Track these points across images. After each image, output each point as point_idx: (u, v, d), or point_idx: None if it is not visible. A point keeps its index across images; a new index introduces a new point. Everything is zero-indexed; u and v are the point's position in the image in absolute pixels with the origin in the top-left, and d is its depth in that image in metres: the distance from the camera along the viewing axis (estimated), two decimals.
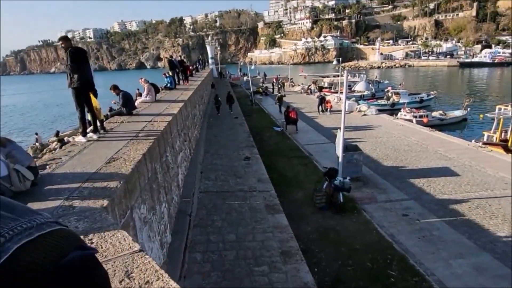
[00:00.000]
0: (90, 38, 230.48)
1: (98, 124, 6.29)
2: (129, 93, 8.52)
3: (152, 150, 5.50)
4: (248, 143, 13.91)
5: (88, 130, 6.06)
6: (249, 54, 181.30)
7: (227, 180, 10.05)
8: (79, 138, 5.81)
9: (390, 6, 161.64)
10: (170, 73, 14.81)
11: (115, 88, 8.23)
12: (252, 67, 52.75)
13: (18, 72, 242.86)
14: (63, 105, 46.00)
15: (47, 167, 4.44)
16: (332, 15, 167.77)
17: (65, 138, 19.82)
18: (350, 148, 12.14)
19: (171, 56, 17.30)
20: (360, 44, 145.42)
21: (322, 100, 25.08)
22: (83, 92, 5.81)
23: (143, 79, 11.13)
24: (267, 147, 15.32)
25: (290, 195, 10.42)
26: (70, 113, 38.18)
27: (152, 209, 5.09)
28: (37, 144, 21.34)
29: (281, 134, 18.32)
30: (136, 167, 4.44)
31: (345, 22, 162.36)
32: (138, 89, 17.87)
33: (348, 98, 27.71)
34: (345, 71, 10.95)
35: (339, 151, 10.64)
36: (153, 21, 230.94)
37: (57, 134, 23.15)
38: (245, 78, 45.52)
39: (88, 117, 6.38)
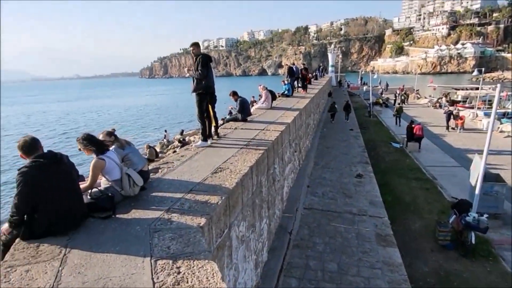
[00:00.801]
0: (222, 46, 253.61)
1: (213, 130, 6.36)
2: (246, 100, 8.58)
3: (260, 162, 5.23)
4: (362, 159, 12.75)
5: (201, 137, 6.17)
6: (371, 62, 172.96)
7: (335, 198, 9.26)
8: (196, 144, 5.93)
9: None
10: (289, 80, 14.68)
11: (234, 94, 8.37)
12: (375, 76, 49.79)
13: (161, 75, 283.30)
14: (192, 105, 51.41)
15: (159, 170, 4.54)
16: (475, 20, 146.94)
17: (187, 138, 21.74)
18: (489, 177, 9.90)
19: (293, 63, 17.19)
20: (508, 53, 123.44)
21: (450, 116, 21.73)
22: (206, 98, 5.91)
23: (262, 86, 11.21)
24: (383, 164, 13.85)
25: (405, 223, 9.04)
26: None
27: (251, 227, 4.79)
28: (164, 140, 23.91)
29: (400, 151, 16.42)
30: (241, 180, 4.18)
31: (490, 28, 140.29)
32: (253, 97, 18.37)
33: (486, 114, 23.60)
34: (499, 84, 8.90)
35: (476, 180, 8.72)
36: (279, 30, 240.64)
37: (181, 133, 25.64)
38: (364, 87, 43.18)
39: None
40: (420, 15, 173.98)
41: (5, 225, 2.83)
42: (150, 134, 30.02)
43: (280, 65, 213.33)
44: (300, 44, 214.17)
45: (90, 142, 3.38)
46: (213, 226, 3.19)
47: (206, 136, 5.93)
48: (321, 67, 37.98)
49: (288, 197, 8.60)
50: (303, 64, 19.08)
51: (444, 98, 32.57)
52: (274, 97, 11.48)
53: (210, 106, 6.15)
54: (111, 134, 3.93)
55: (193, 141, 21.09)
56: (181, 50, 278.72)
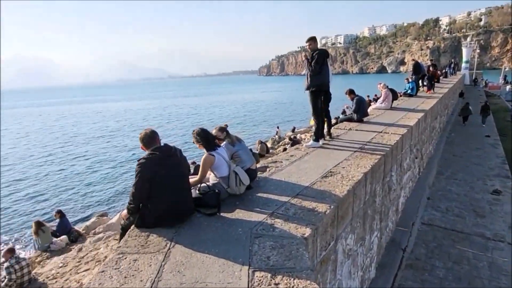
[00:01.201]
0: (340, 43, 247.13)
1: (325, 129, 6.01)
2: (363, 99, 7.94)
3: (376, 169, 4.67)
4: (501, 172, 10.53)
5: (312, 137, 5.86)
6: None
7: (463, 216, 7.82)
8: (307, 143, 5.68)
9: None
10: (413, 78, 13.17)
11: (350, 92, 7.83)
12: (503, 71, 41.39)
13: (277, 73, 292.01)
14: (306, 103, 51.35)
15: (267, 169, 4.43)
16: None
17: (298, 136, 21.64)
18: None
19: (431, 60, 15.45)
20: None
21: None
22: (320, 95, 5.61)
23: (382, 84, 10.30)
24: None
25: None
26: (309, 111, 42.09)
27: (360, 240, 4.30)
28: (276, 136, 24.31)
29: None
30: (353, 188, 3.75)
31: None
32: (368, 96, 17.08)
33: None
34: None
35: None
36: (405, 24, 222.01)
37: (293, 130, 25.69)
38: (507, 87, 36.30)
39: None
40: None
41: (125, 211, 3.05)
42: (263, 129, 31.03)
43: (402, 62, 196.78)
44: (428, 38, 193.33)
45: (202, 138, 3.43)
46: (318, 237, 2.88)
47: (318, 136, 5.62)
48: (452, 63, 33.28)
49: (404, 208, 7.65)
50: (431, 60, 16.78)
51: None
52: (395, 96, 10.40)
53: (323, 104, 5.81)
54: (223, 129, 3.96)
55: (304, 139, 20.96)
56: (298, 48, 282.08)
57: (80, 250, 7.92)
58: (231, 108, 50.79)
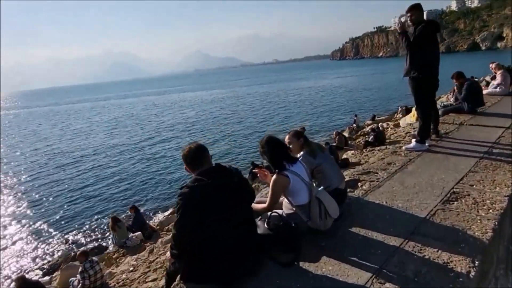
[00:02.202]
0: None
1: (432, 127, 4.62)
2: (477, 84, 6.23)
3: None
4: None
5: (415, 136, 4.53)
6: None
7: None
8: (409, 145, 4.39)
9: None
10: None
11: (459, 76, 6.18)
12: None
13: (352, 56, 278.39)
14: (385, 88, 47.36)
15: (359, 184, 3.32)
16: None
17: (379, 125, 19.56)
18: None
19: None
20: None
21: None
22: (426, 83, 4.26)
23: (495, 64, 8.26)
24: None
25: None
26: (389, 97, 38.62)
27: None
28: (354, 125, 22.47)
29: None
30: (499, 224, 2.47)
31: None
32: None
33: None
34: None
35: None
36: None
37: (373, 118, 23.48)
38: None
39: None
40: None
41: (168, 253, 2.25)
42: (338, 118, 29.22)
43: (499, 37, 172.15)
44: None
45: (269, 151, 2.47)
46: None
47: (424, 136, 4.28)
48: None
49: None
50: None
51: None
52: None
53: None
54: (299, 135, 2.95)
55: (387, 128, 18.85)
56: (375, 29, 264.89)
57: (151, 252, 7.67)
58: (304, 95, 49.16)
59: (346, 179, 3.42)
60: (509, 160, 3.62)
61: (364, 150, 12.92)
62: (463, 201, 2.78)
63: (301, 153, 2.84)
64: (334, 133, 16.30)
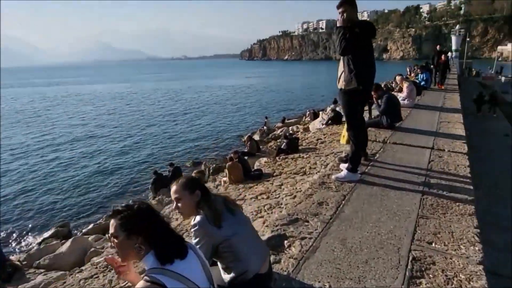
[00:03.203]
0: (322, 29, 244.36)
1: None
2: (395, 97, 5.90)
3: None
4: None
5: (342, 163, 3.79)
6: (499, 47, 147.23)
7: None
8: (339, 175, 3.57)
9: None
10: (430, 67, 11.25)
11: (377, 88, 5.76)
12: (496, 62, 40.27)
13: (260, 57, 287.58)
14: (293, 90, 49.13)
15: (285, 243, 2.34)
16: None
17: (290, 129, 19.58)
18: None
19: (440, 45, 13.52)
20: None
21: None
22: (363, 98, 3.53)
23: (399, 77, 8.32)
24: None
25: None
26: (297, 99, 39.95)
27: None
28: (265, 128, 22.26)
29: None
30: None
31: None
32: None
33: None
34: None
35: None
36: (386, 11, 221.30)
37: (283, 121, 23.64)
38: (502, 78, 35.31)
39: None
40: None
41: None
42: (250, 118, 28.91)
43: (385, 49, 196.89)
44: (410, 26, 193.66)
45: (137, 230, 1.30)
46: None
47: (357, 163, 3.54)
48: (443, 51, 31.65)
49: None
50: (438, 45, 14.63)
51: None
52: (418, 91, 8.45)
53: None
54: (193, 184, 1.80)
55: (297, 132, 18.91)
56: (280, 33, 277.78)
57: None
58: (215, 94, 48.10)
59: (268, 235, 2.42)
60: (452, 196, 3.07)
61: (277, 158, 12.43)
62: (430, 276, 2.00)
63: (196, 218, 1.71)
64: (245, 138, 15.58)
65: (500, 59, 77.25)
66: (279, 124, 23.19)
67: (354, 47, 3.21)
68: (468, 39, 63.55)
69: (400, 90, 8.77)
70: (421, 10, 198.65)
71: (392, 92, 10.23)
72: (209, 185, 12.73)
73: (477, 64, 52.29)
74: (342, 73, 3.40)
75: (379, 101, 5.72)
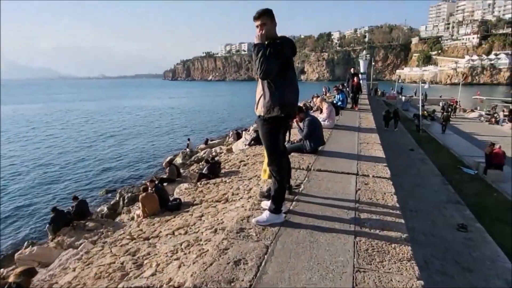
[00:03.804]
0: (244, 51, 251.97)
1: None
2: (317, 120, 5.63)
3: None
4: (450, 196, 9.46)
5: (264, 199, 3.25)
6: (397, 71, 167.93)
7: (447, 272, 5.98)
8: (259, 219, 2.96)
9: None
10: (345, 88, 11.65)
11: (299, 111, 5.43)
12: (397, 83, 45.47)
13: (183, 78, 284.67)
14: (216, 111, 48.77)
15: None
16: (508, 30, 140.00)
17: (213, 150, 18.97)
18: None
19: (353, 68, 14.16)
20: None
21: None
22: (284, 125, 3.03)
23: (319, 98, 8.31)
24: (467, 201, 10.54)
25: None
26: (220, 120, 39.61)
27: None
28: (187, 150, 21.34)
29: (478, 181, 13.03)
30: None
31: None
32: None
33: None
34: None
35: None
36: (302, 36, 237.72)
37: (206, 142, 22.95)
38: (403, 98, 39.56)
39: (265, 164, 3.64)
40: (448, 23, 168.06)
41: None
42: (173, 140, 27.64)
43: (302, 71, 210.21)
44: (323, 50, 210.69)
45: None
46: None
47: (280, 203, 3.00)
48: (354, 74, 34.45)
49: None
50: (352, 68, 15.50)
51: (501, 113, 28.64)
52: (337, 112, 8.52)
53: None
54: None
55: (220, 152, 18.27)
56: (204, 54, 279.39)
57: None
58: (137, 116, 45.37)
59: None
60: (386, 236, 2.70)
61: (198, 184, 11.61)
62: None
63: None
64: (165, 163, 14.43)
65: (399, 81, 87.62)
66: (202, 146, 22.45)
67: (277, 67, 2.72)
68: (373, 63, 70.88)
69: (320, 111, 8.77)
70: (332, 37, 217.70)
71: (311, 112, 10.36)
72: (123, 217, 11.36)
73: (381, 85, 58.15)
74: (261, 97, 2.88)
75: (301, 124, 5.40)
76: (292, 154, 5.36)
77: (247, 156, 14.19)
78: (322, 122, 7.77)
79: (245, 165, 12.26)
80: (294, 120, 5.53)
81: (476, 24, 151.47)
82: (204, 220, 7.37)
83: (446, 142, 20.16)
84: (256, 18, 2.79)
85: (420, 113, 24.29)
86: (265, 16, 2.77)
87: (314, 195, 3.59)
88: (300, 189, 3.75)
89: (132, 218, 9.85)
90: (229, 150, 18.91)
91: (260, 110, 2.86)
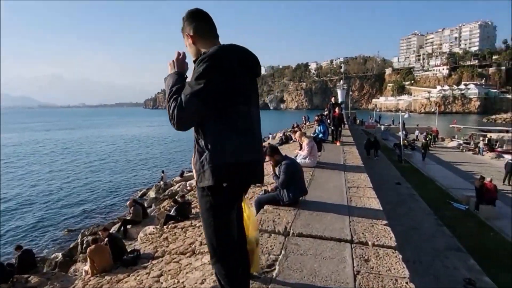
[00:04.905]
0: None
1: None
2: (297, 164, 4.52)
3: None
4: (448, 241, 8.37)
5: None
6: (373, 100, 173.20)
7: None
8: None
9: None
10: (327, 119, 10.72)
11: (273, 151, 4.32)
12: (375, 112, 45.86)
13: (164, 106, 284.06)
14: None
15: None
16: (475, 62, 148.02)
17: (189, 184, 17.61)
18: None
19: (334, 97, 13.35)
20: None
21: None
22: (237, 201, 1.90)
23: (298, 133, 7.28)
24: (465, 243, 9.54)
25: None
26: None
27: None
28: (161, 183, 19.91)
29: (471, 217, 12.15)
30: None
31: (492, 70, 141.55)
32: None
33: None
34: None
35: None
36: (280, 66, 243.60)
37: (181, 174, 21.53)
38: (382, 127, 39.57)
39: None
40: (419, 55, 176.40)
41: None
42: (147, 173, 26.16)
43: (282, 100, 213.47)
44: (301, 80, 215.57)
45: None
46: None
47: None
48: (337, 104, 34.32)
49: None
50: (333, 97, 14.48)
51: (482, 142, 28.64)
52: (319, 147, 7.49)
53: (246, 211, 2.10)
54: None
55: (195, 187, 16.83)
56: None
57: None
58: (111, 145, 43.49)
59: None
60: None
61: (165, 228, 10.19)
62: None
63: None
64: (129, 202, 12.82)
65: (377, 110, 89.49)
66: (177, 178, 20.99)
67: (200, 108, 1.62)
68: (350, 92, 72.19)
69: (300, 147, 7.72)
70: (310, 67, 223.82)
71: (291, 142, 9.35)
72: (78, 267, 9.75)
73: (358, 114, 58.72)
74: (193, 153, 1.76)
75: (277, 169, 4.28)
76: (267, 207, 4.20)
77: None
78: (302, 161, 6.72)
79: None
80: (269, 163, 4.43)
81: (445, 56, 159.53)
82: (162, 282, 5.99)
83: (430, 174, 19.51)
84: (183, 19, 1.72)
85: (401, 143, 23.81)
86: (191, 19, 1.71)
87: (294, 285, 2.41)
88: (274, 274, 2.56)
89: (81, 274, 8.27)
90: None
91: (199, 178, 1.72)
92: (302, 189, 4.29)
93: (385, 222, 3.75)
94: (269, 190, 4.46)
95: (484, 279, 6.57)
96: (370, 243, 3.17)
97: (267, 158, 4.48)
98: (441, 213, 12.23)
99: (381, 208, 4.24)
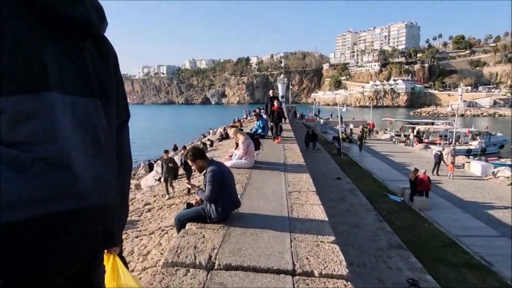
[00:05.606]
0: (163, 74, 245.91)
1: None
2: (228, 171, 3.68)
3: None
4: (389, 238, 8.22)
5: None
6: (312, 94, 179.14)
7: None
8: None
9: (467, 51, 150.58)
10: (265, 115, 10.05)
11: (197, 156, 3.44)
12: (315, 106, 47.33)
13: None
14: (133, 141, 44.41)
15: None
16: (402, 59, 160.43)
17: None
18: None
19: (273, 91, 12.64)
20: (434, 90, 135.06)
21: (441, 158, 18.52)
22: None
23: (232, 130, 6.48)
24: (403, 237, 9.59)
25: None
26: (135, 148, 35.83)
27: None
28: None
29: (406, 208, 12.47)
30: None
31: (416, 66, 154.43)
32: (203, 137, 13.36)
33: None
34: None
35: None
36: (221, 60, 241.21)
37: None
38: (321, 120, 40.48)
39: None
40: (353, 52, 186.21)
41: None
42: None
43: (223, 95, 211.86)
44: (243, 74, 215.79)
45: None
46: None
47: None
48: (275, 97, 34.24)
49: None
50: (272, 90, 13.49)
51: (412, 134, 30.43)
52: (257, 145, 6.77)
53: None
54: None
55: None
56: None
57: None
58: None
59: None
60: None
61: None
62: None
63: None
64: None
65: (316, 104, 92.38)
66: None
67: None
68: (290, 87, 73.37)
69: (235, 145, 6.93)
70: (251, 61, 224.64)
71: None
72: None
73: (298, 108, 59.84)
74: None
75: (204, 178, 3.43)
76: (190, 225, 3.34)
77: (154, 196, 11.74)
78: (238, 161, 5.94)
79: (149, 210, 9.82)
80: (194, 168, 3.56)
81: (376, 53, 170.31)
82: None
83: (368, 166, 20.06)
84: None
85: (340, 136, 24.31)
86: None
87: None
88: None
89: None
90: (137, 187, 16.17)
91: None
92: (234, 201, 3.49)
93: (332, 238, 3.11)
94: (193, 204, 3.59)
95: (426, 277, 6.40)
96: (316, 272, 2.48)
97: (189, 163, 3.60)
98: (380, 206, 12.37)
99: (326, 218, 3.61)
